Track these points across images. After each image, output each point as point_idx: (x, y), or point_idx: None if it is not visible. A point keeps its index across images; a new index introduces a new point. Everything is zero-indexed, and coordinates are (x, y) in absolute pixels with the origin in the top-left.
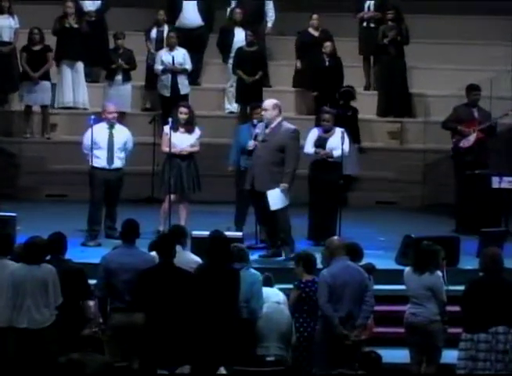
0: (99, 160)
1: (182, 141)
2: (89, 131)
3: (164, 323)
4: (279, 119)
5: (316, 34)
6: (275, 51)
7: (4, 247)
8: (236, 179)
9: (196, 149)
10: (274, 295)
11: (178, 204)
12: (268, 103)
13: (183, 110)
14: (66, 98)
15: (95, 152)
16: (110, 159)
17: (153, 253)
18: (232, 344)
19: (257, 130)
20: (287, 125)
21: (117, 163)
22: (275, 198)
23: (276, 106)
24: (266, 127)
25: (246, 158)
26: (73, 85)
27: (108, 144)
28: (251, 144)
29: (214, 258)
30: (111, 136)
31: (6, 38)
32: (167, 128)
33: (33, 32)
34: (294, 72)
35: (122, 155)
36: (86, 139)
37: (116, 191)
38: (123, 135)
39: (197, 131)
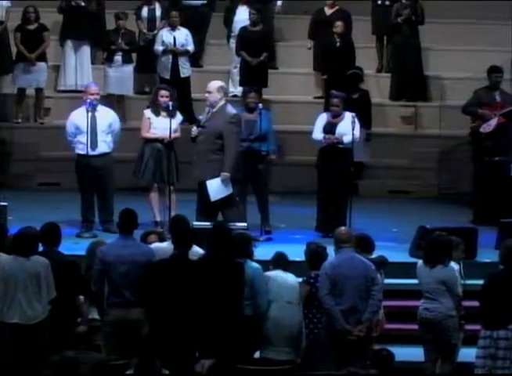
0: (82, 145)
1: (165, 126)
2: (71, 116)
3: (173, 318)
4: (222, 103)
5: (330, 12)
6: (286, 31)
7: None
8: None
9: (178, 135)
10: (287, 291)
11: (164, 193)
12: (213, 85)
13: (164, 93)
14: (68, 80)
15: (78, 138)
16: (93, 143)
17: (165, 244)
18: (234, 341)
19: (201, 116)
20: (229, 110)
21: (103, 147)
22: (216, 189)
23: (221, 88)
24: (208, 112)
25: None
26: (76, 67)
27: (91, 128)
28: (194, 130)
29: (216, 249)
30: (93, 119)
31: None
32: (148, 112)
33: (28, 11)
34: (313, 54)
35: (108, 139)
36: (68, 126)
37: (105, 179)
38: (107, 116)
39: (179, 116)
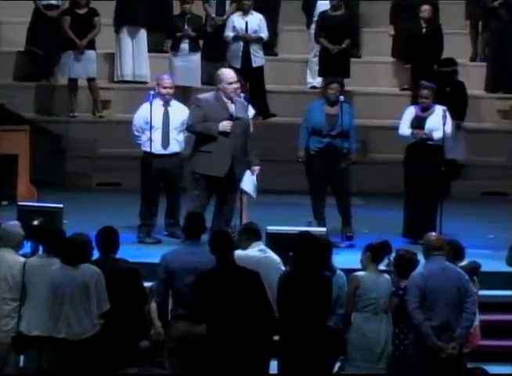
0: (153, 143)
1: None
2: (141, 109)
3: (230, 333)
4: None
5: None
6: (372, 16)
7: (54, 244)
8: (306, 165)
9: (250, 129)
10: (375, 301)
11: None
12: (232, 72)
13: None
14: (125, 70)
15: (147, 134)
16: (165, 141)
17: (249, 250)
18: (318, 357)
19: (232, 109)
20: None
21: (174, 146)
22: (250, 183)
23: None
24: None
25: (317, 140)
26: (133, 56)
27: (163, 124)
28: (228, 125)
29: (302, 262)
30: (166, 115)
31: (53, 1)
32: None
33: None
34: (392, 40)
35: (180, 137)
36: (137, 119)
37: (175, 180)
38: (180, 113)
39: (251, 110)
